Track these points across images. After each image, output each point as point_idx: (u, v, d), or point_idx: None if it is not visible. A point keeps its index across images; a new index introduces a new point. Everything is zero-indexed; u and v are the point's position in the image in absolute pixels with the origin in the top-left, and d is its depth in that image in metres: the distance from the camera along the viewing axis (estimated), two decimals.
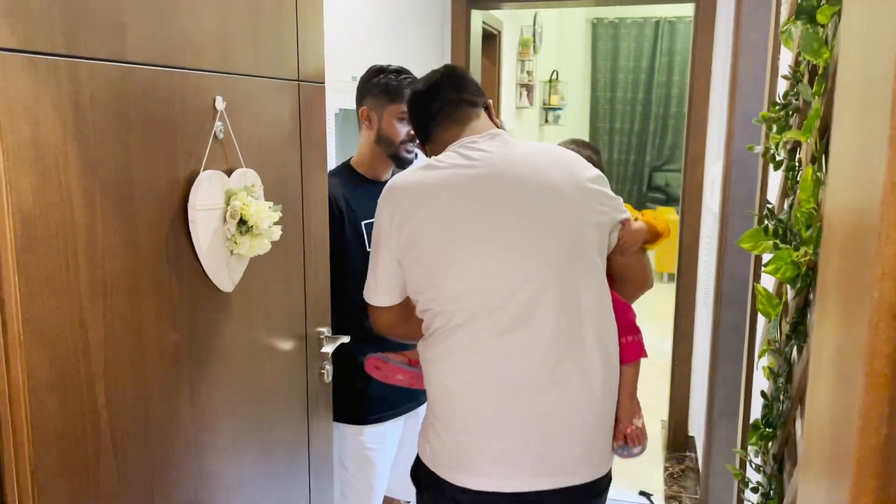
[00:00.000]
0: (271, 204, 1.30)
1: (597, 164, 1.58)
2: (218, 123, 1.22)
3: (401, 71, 1.94)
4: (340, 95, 2.19)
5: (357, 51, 2.43)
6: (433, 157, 1.52)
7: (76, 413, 0.96)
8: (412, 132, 1.83)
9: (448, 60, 3.25)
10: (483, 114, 1.57)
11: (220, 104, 1.22)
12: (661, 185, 8.47)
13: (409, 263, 1.45)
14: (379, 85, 1.92)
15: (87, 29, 0.95)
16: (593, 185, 1.44)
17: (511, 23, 4.67)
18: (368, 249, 1.87)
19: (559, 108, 6.21)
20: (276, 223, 1.30)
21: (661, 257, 5.93)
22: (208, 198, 1.18)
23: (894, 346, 0.44)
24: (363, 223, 1.89)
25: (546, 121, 6.24)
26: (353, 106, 2.05)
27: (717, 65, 2.90)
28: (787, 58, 1.48)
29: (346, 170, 1.98)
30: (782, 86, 1.50)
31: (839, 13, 1.04)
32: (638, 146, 8.65)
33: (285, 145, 1.46)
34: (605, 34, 8.98)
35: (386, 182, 1.96)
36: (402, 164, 1.94)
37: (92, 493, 1.00)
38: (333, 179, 1.87)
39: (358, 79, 2.01)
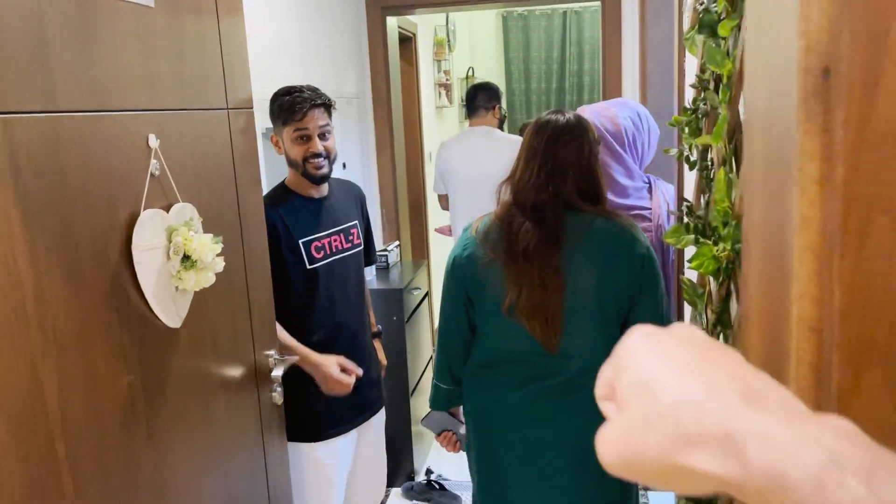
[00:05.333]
0: (212, 236, 1.31)
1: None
2: (153, 162, 1.22)
3: (290, 91, 1.94)
4: (264, 114, 2.19)
5: (277, 68, 2.43)
6: None
7: (37, 470, 0.96)
8: (314, 149, 1.88)
9: (368, 68, 3.27)
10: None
11: (153, 142, 1.22)
12: None
13: None
14: (275, 110, 1.97)
15: (15, 83, 0.95)
16: None
17: (425, 24, 4.72)
18: (309, 267, 1.90)
19: None
20: (218, 255, 1.30)
21: None
22: (151, 237, 1.18)
23: (814, 355, 0.51)
24: (300, 241, 1.91)
25: (466, 117, 6.30)
26: None
27: (627, 59, 3.03)
28: (692, 61, 1.58)
29: (281, 190, 2.01)
30: (691, 89, 1.60)
31: (738, 26, 1.13)
32: None
33: (220, 174, 1.47)
34: (515, 27, 9.13)
35: (318, 199, 1.98)
36: (315, 180, 1.95)
37: None
38: (270, 201, 1.89)
39: None
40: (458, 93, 6.00)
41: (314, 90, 1.94)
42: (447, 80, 5.26)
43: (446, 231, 3.44)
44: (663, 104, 2.45)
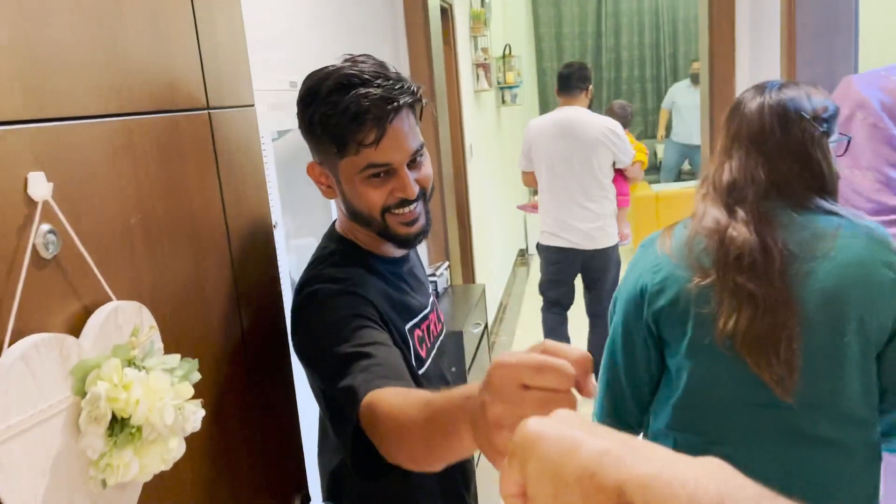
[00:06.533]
0: (178, 360, 0.67)
1: None
2: (42, 228, 0.58)
3: (345, 82, 0.97)
4: (275, 112, 1.52)
5: (291, 43, 1.77)
6: None
7: None
8: (403, 192, 1.02)
9: (404, 43, 2.61)
10: None
11: (39, 189, 0.58)
12: None
13: None
14: (317, 125, 1.00)
15: None
16: None
17: None
18: (420, 372, 1.11)
19: (516, 86, 5.57)
20: (189, 399, 0.67)
21: None
22: (31, 401, 0.55)
23: None
24: (406, 328, 1.10)
25: (503, 101, 5.61)
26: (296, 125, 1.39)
27: (741, 22, 2.36)
28: None
29: (345, 247, 1.10)
30: None
31: None
32: None
33: (196, 228, 0.82)
34: (545, 1, 8.43)
35: (399, 260, 1.15)
36: (404, 243, 1.09)
37: None
38: (356, 270, 1.06)
39: (298, 85, 1.30)
40: (495, 74, 5.31)
41: (383, 73, 1.00)
42: (485, 59, 4.57)
43: (529, 208, 3.51)
44: (824, 70, 1.85)
